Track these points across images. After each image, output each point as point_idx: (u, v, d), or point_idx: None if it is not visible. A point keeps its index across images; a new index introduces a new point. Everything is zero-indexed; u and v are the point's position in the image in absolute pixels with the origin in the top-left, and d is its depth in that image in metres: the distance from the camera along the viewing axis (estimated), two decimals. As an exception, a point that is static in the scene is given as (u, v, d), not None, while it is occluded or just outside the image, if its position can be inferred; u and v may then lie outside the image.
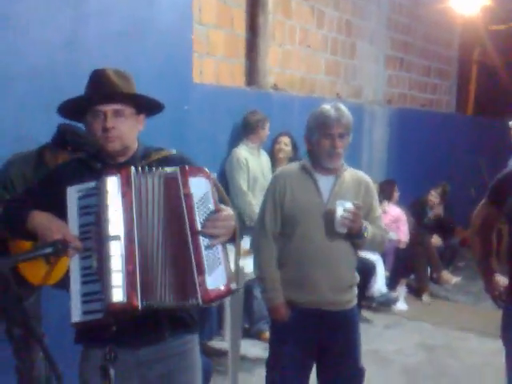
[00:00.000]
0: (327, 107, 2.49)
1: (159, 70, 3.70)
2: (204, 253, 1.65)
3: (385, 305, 5.31)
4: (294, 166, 2.64)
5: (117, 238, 1.64)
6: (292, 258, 2.49)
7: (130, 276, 1.62)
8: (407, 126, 6.98)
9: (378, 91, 6.76)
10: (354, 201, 2.40)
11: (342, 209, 2.36)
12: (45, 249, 1.75)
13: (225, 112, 4.45)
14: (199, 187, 1.69)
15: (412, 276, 5.87)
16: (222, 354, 3.96)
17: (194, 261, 1.64)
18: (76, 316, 1.67)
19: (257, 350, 4.06)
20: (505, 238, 2.73)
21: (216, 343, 4.22)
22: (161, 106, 1.89)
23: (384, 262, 5.44)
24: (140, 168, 1.72)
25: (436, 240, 6.11)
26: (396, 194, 5.99)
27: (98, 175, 1.72)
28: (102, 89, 1.77)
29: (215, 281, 1.64)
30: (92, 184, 1.72)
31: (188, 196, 1.67)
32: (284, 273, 2.52)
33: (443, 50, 8.06)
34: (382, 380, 3.86)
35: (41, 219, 1.74)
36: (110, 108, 1.76)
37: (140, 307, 1.62)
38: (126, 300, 1.61)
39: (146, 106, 1.87)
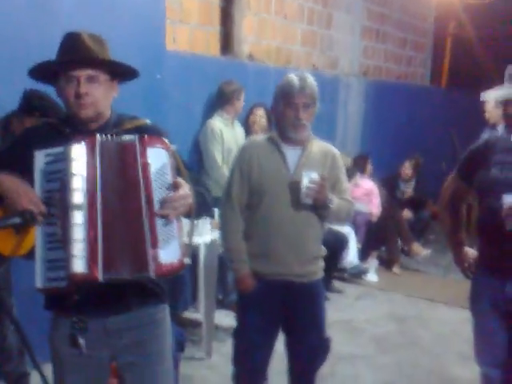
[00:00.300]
0: (292, 76, 2.47)
1: (131, 37, 3.61)
2: (159, 227, 1.63)
3: (356, 276, 5.39)
4: (262, 137, 2.64)
5: (80, 207, 1.62)
6: (258, 229, 2.49)
7: (91, 247, 1.60)
8: (383, 98, 6.98)
9: (354, 62, 6.73)
10: (320, 172, 2.40)
11: (308, 180, 2.36)
12: (13, 219, 1.72)
13: (199, 81, 4.38)
14: (157, 158, 1.66)
15: (383, 248, 5.96)
16: (196, 324, 3.99)
17: (148, 234, 1.62)
18: (40, 282, 1.66)
19: (230, 320, 4.05)
20: (475, 212, 2.76)
21: (190, 314, 4.24)
22: (136, 72, 1.84)
23: (356, 234, 5.50)
24: (107, 136, 1.68)
25: (407, 213, 6.19)
26: (369, 168, 6.03)
27: (66, 141, 1.68)
28: (77, 53, 1.72)
29: (169, 255, 1.64)
30: (60, 149, 1.68)
31: (145, 166, 1.64)
32: (250, 245, 2.52)
33: (419, 22, 8.05)
34: (353, 348, 3.93)
35: (9, 183, 1.70)
36: (84, 73, 1.71)
37: (101, 279, 1.61)
38: (87, 271, 1.59)
39: (121, 73, 1.82)
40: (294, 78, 2.46)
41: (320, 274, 2.60)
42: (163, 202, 1.64)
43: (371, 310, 4.67)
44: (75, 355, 1.79)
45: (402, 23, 7.60)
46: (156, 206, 1.64)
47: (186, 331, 3.80)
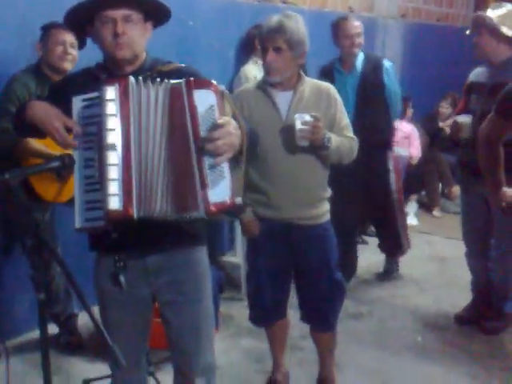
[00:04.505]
0: (270, 18, 2.35)
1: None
2: (207, 167, 1.65)
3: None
4: (251, 85, 2.58)
5: (113, 147, 1.65)
6: (257, 179, 2.47)
7: (125, 185, 1.64)
8: (422, 41, 6.76)
9: (392, 5, 6.51)
10: (312, 113, 2.31)
11: (300, 122, 2.30)
12: (52, 163, 1.77)
13: (232, 27, 4.33)
14: (205, 100, 1.66)
15: (423, 192, 5.90)
16: (234, 267, 4.09)
17: (196, 175, 1.65)
18: (79, 222, 1.72)
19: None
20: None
21: (228, 257, 4.34)
22: (168, 11, 1.84)
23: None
24: (141, 78, 1.69)
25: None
26: (409, 111, 5.91)
27: (100, 85, 1.70)
28: None
29: (219, 194, 1.65)
30: (95, 94, 1.71)
31: (192, 108, 1.65)
32: (251, 194, 2.49)
33: (461, -40, 7.68)
34: (392, 289, 3.99)
35: (39, 107, 1.75)
36: (119, 13, 1.72)
37: (136, 216, 1.64)
38: (121, 208, 1.63)
39: (154, 13, 1.82)
40: (270, 20, 2.34)
41: (326, 216, 2.55)
42: (207, 137, 1.63)
43: (411, 252, 4.64)
44: (117, 293, 1.86)
45: (443, -38, 7.27)
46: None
47: (224, 274, 3.92)
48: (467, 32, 3.35)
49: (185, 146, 1.66)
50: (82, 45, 2.78)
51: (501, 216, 2.87)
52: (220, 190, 1.65)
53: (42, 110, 1.74)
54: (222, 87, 1.71)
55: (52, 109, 1.74)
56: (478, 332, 3.39)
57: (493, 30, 2.99)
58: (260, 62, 4.31)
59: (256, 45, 4.22)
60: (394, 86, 3.75)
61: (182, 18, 3.82)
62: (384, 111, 3.74)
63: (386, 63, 3.72)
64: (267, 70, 2.40)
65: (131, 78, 1.69)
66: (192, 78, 1.68)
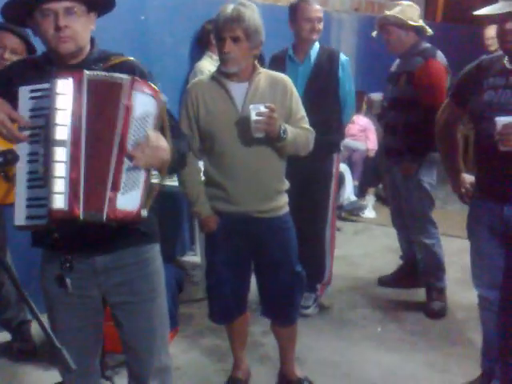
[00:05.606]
0: (225, 7, 2.30)
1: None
2: (125, 171, 1.60)
3: (353, 213, 5.42)
4: (205, 77, 2.54)
5: (63, 143, 1.58)
6: (215, 173, 2.45)
7: (73, 183, 1.57)
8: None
9: (345, -1, 6.56)
10: (267, 104, 2.27)
11: (255, 113, 2.26)
12: None
13: (185, 22, 4.27)
14: (142, 104, 1.61)
15: (380, 185, 5.96)
16: (195, 266, 4.05)
17: (111, 176, 1.59)
18: (19, 220, 1.63)
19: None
20: (471, 143, 2.74)
21: (189, 257, 4.31)
22: (113, 2, 1.78)
23: (352, 171, 5.50)
24: (94, 72, 1.63)
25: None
26: (365, 105, 5.96)
27: (46, 77, 1.62)
28: None
29: (127, 202, 1.61)
30: (45, 85, 1.63)
31: (127, 108, 1.59)
32: (208, 188, 2.49)
33: (412, -47, 7.78)
34: (351, 281, 4.02)
35: None
36: (60, 6, 1.65)
37: (81, 216, 1.58)
38: (67, 208, 1.57)
39: (97, 2, 1.75)
40: (225, 8, 2.30)
41: (285, 209, 2.54)
42: (135, 145, 1.59)
43: (369, 244, 4.71)
44: (64, 295, 1.80)
45: (394, -45, 7.35)
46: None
47: (185, 273, 3.88)
48: (374, 34, 3.81)
49: (110, 145, 1.60)
50: (30, 51, 2.68)
51: (404, 195, 3.58)
52: (130, 198, 1.62)
53: None
54: (164, 97, 1.68)
55: None
56: (437, 320, 3.45)
57: (400, 24, 3.51)
58: (215, 57, 4.27)
59: (211, 39, 4.17)
60: (349, 83, 3.42)
61: (134, 12, 3.74)
62: (336, 109, 3.38)
63: (342, 57, 3.40)
64: (224, 61, 2.36)
65: (86, 72, 1.62)
66: (137, 78, 1.63)
